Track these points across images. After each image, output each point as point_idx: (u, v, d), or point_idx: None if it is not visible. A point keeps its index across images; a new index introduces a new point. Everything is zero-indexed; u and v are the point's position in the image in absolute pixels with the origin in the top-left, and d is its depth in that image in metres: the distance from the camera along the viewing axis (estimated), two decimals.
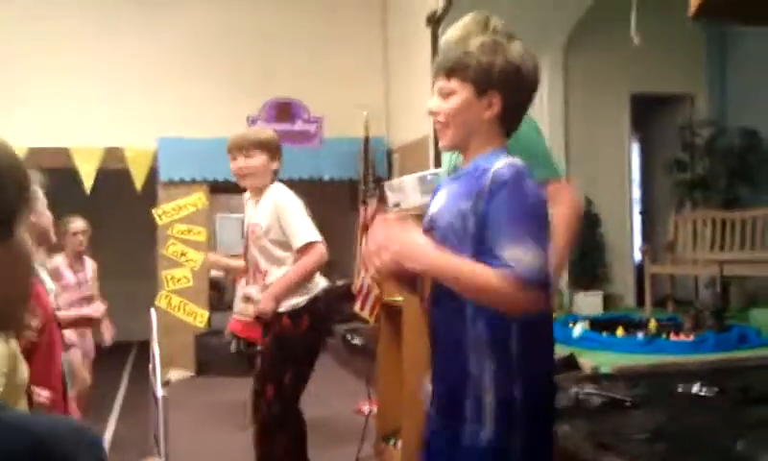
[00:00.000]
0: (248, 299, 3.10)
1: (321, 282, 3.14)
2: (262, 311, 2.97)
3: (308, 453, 3.21)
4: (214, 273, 6.47)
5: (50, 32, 6.38)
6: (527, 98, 1.66)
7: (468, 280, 1.49)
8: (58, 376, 2.36)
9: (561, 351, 4.63)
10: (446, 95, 1.62)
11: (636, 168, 7.62)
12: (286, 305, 2.99)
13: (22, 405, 1.79)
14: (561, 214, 2.19)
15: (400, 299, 3.60)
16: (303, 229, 2.99)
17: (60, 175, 6.31)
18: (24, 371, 1.80)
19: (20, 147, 6.23)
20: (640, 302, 6.60)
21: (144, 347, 7.02)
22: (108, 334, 4.17)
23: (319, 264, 2.99)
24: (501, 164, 1.55)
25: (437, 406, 1.66)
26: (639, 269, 6.77)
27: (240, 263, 3.33)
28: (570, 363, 3.79)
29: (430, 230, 1.67)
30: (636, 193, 7.64)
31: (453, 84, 1.61)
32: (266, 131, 3.26)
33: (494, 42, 1.60)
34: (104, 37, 6.51)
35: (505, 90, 1.59)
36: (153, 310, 3.64)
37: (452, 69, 1.61)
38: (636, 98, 7.04)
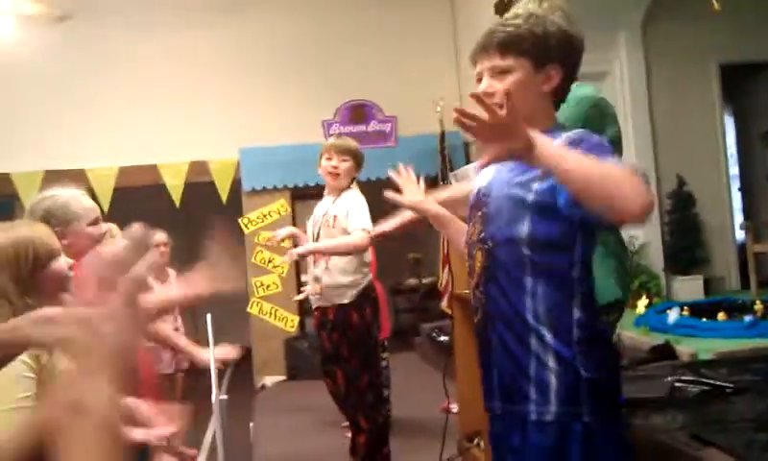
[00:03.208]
0: (316, 279, 3.42)
1: (369, 275, 3.46)
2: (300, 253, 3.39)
3: (392, 451, 3.40)
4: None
5: (136, 64, 6.65)
6: (578, 66, 1.59)
7: (590, 166, 1.28)
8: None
9: (655, 338, 4.44)
10: (501, 74, 1.53)
11: (731, 142, 7.19)
12: (348, 296, 3.31)
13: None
14: None
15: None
16: (361, 219, 3.33)
17: (151, 191, 6.63)
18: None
19: (113, 166, 6.55)
20: (746, 284, 6.20)
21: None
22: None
23: (356, 246, 3.26)
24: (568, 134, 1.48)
25: (500, 395, 1.58)
26: (742, 249, 6.36)
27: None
28: (665, 351, 3.60)
29: (479, 203, 1.61)
30: (734, 168, 7.20)
31: (509, 61, 1.52)
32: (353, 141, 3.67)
33: (539, 15, 1.54)
34: (181, 61, 6.73)
35: (562, 60, 1.53)
36: (208, 316, 3.82)
37: (506, 45, 1.52)
38: (726, 68, 6.64)
